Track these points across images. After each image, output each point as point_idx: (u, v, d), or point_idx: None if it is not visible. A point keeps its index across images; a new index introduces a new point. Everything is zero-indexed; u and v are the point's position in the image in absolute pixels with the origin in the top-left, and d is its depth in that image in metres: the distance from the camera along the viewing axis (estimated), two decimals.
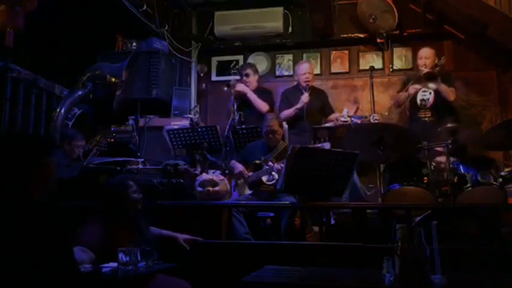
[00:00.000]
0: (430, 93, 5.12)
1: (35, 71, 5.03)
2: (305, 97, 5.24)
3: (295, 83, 5.63)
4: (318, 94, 5.54)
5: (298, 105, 5.26)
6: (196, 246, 3.27)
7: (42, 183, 2.02)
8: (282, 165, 4.11)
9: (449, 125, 4.34)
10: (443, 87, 5.00)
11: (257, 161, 4.45)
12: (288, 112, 5.34)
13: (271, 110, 5.40)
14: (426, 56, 5.20)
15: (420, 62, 5.22)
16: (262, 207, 4.22)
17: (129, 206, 2.94)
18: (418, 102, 5.18)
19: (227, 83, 5.61)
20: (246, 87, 5.46)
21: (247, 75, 5.53)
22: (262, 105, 5.37)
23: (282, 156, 4.30)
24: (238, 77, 5.75)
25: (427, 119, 5.16)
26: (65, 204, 3.41)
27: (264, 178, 4.34)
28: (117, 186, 3.01)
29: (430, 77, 4.98)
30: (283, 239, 3.87)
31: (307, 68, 5.48)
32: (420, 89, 5.14)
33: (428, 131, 4.67)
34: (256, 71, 5.69)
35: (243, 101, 5.40)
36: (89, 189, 3.79)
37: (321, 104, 5.47)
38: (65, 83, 5.33)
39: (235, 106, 5.06)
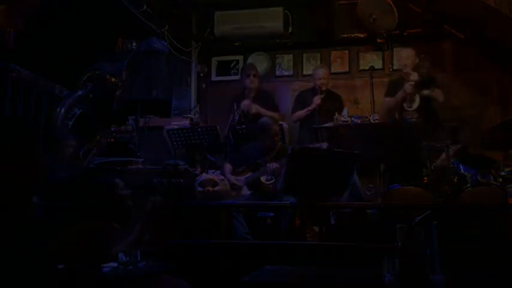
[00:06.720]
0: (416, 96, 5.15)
1: (35, 71, 5.02)
2: (317, 99, 5.36)
3: (312, 85, 5.70)
4: (332, 98, 5.62)
5: (310, 107, 5.39)
6: (196, 246, 3.27)
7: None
8: (277, 165, 4.24)
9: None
10: (437, 92, 5.04)
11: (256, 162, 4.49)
12: (300, 113, 5.50)
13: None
14: (406, 56, 5.24)
15: (400, 62, 5.27)
16: (262, 207, 4.23)
17: (117, 204, 2.91)
18: (404, 104, 5.21)
19: (240, 109, 5.29)
20: (255, 105, 5.35)
21: (254, 75, 5.55)
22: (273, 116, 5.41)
23: (279, 156, 4.38)
24: (239, 77, 5.69)
25: (414, 119, 5.17)
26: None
27: (263, 178, 4.41)
28: (103, 185, 2.99)
29: (423, 85, 5.00)
30: (283, 239, 3.87)
31: (322, 74, 5.58)
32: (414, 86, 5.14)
33: (419, 131, 4.71)
34: (257, 72, 5.70)
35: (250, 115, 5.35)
36: (90, 189, 3.77)
37: (333, 108, 5.48)
38: (65, 83, 5.31)
39: (235, 106, 5.07)
